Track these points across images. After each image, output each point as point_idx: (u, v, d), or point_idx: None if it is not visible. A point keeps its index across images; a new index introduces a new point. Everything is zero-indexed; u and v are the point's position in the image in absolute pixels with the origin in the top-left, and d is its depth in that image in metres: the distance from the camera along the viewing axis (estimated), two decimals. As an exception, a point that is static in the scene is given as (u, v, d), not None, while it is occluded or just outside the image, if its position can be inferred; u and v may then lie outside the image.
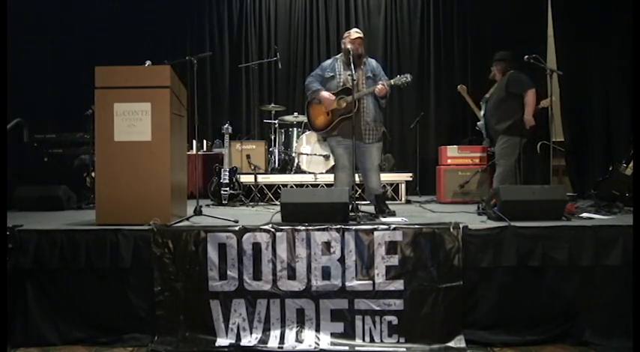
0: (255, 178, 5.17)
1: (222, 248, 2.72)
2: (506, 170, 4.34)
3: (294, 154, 5.60)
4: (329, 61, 3.92)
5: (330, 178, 4.92)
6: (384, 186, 4.84)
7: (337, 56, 3.89)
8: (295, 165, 5.55)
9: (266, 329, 2.70)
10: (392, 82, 3.63)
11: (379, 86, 3.59)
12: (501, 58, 4.57)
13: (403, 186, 5.35)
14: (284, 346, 2.65)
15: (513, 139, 4.35)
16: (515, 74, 4.43)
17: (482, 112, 4.75)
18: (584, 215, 3.33)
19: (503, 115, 4.40)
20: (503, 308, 2.72)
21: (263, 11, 6.73)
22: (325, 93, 3.69)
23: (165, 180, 2.92)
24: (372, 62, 3.84)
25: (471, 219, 3.18)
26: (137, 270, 2.74)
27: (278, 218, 3.03)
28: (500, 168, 4.39)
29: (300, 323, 2.71)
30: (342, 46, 3.79)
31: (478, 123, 4.90)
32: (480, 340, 2.67)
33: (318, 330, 2.69)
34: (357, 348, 2.64)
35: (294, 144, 5.68)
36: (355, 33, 3.77)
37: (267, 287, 2.71)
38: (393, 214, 3.57)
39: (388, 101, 3.82)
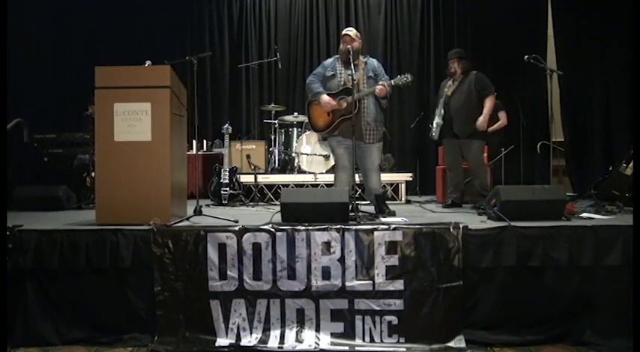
0: (255, 178, 5.17)
1: (222, 248, 2.72)
2: (485, 172, 4.38)
3: (294, 154, 5.60)
4: (330, 60, 3.92)
5: (330, 178, 4.93)
6: (384, 186, 4.84)
7: (338, 56, 3.89)
8: (295, 165, 5.56)
9: (266, 329, 2.69)
10: (392, 82, 3.63)
11: (379, 87, 3.59)
12: (464, 56, 4.40)
13: (403, 186, 5.36)
14: (284, 346, 2.64)
15: (482, 143, 4.38)
16: (481, 75, 4.34)
17: (441, 111, 4.41)
18: (584, 215, 3.32)
19: (473, 116, 4.23)
20: (503, 308, 2.71)
21: (263, 11, 6.74)
22: (325, 98, 3.69)
23: (166, 180, 2.92)
24: (374, 62, 3.84)
25: (471, 219, 3.18)
26: (137, 270, 2.73)
27: (278, 218, 3.03)
28: (481, 174, 4.31)
29: (300, 323, 2.71)
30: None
31: (436, 122, 4.44)
32: (480, 340, 2.67)
33: (318, 330, 2.69)
34: (357, 348, 2.64)
35: (294, 144, 5.68)
36: (344, 31, 3.79)
37: (267, 287, 2.71)
38: (393, 214, 3.57)
39: (388, 101, 3.82)
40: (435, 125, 4.43)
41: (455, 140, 4.38)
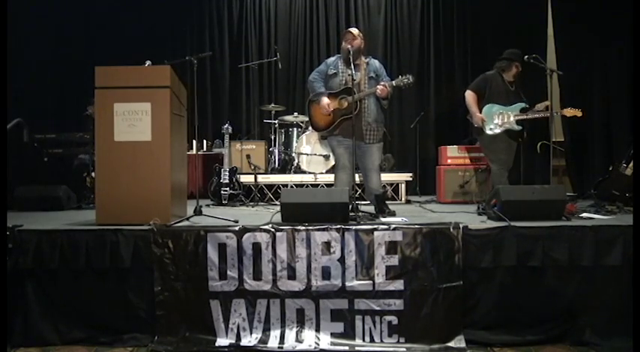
0: (255, 178, 5.17)
1: (222, 248, 2.72)
2: None
3: (294, 154, 5.60)
4: (333, 58, 3.93)
5: (330, 178, 4.92)
6: (384, 186, 4.83)
7: (340, 55, 3.89)
8: (295, 165, 5.56)
9: (266, 329, 2.70)
10: (394, 82, 3.63)
11: (380, 87, 3.59)
12: None
13: (403, 186, 5.36)
14: (284, 346, 2.65)
15: None
16: None
17: (515, 111, 4.32)
18: (584, 215, 3.33)
19: None
20: (503, 308, 2.72)
21: (263, 11, 6.73)
22: (325, 101, 3.69)
23: (166, 180, 2.92)
24: (375, 63, 3.84)
25: (471, 219, 3.18)
26: (137, 270, 2.74)
27: (278, 218, 3.03)
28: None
29: (300, 323, 2.71)
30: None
31: (513, 125, 4.30)
32: (480, 340, 2.67)
33: (318, 330, 2.69)
34: (357, 348, 2.64)
35: (294, 144, 5.68)
36: (347, 30, 3.83)
37: (267, 287, 2.71)
38: (393, 214, 3.57)
39: (389, 101, 3.82)
40: (499, 120, 4.26)
41: (512, 140, 4.36)
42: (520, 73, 4.43)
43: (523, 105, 4.32)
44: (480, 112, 4.37)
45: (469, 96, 4.48)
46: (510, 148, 4.39)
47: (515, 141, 4.41)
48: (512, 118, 4.28)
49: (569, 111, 4.18)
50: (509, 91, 4.37)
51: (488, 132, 4.34)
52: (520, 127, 4.29)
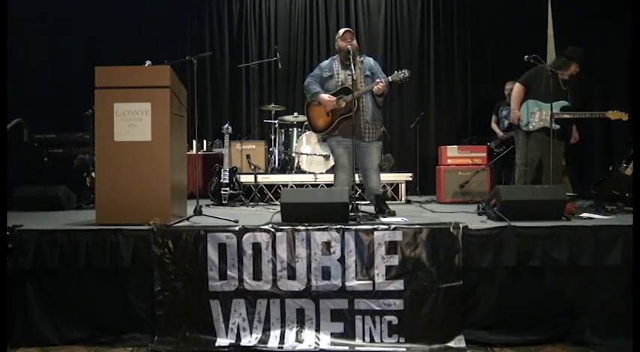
0: (255, 178, 5.18)
1: (222, 248, 2.72)
2: None
3: (294, 154, 5.60)
4: (326, 61, 3.93)
5: (330, 178, 4.92)
6: (384, 186, 4.83)
7: (334, 56, 3.90)
8: (295, 165, 5.56)
9: (266, 329, 2.70)
10: (390, 78, 3.63)
11: (377, 83, 3.59)
12: None
13: (403, 186, 5.36)
14: (284, 346, 2.65)
15: None
16: None
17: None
18: (584, 215, 3.33)
19: None
20: (503, 308, 2.71)
21: (263, 11, 6.73)
22: (325, 96, 3.70)
23: (165, 180, 2.92)
24: (370, 60, 3.85)
25: (471, 219, 3.18)
26: (137, 270, 2.74)
27: (278, 218, 3.03)
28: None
29: (300, 323, 2.71)
30: (336, 48, 3.81)
31: (554, 126, 3.98)
32: (480, 340, 2.67)
33: (318, 330, 2.69)
34: (357, 348, 2.64)
35: (294, 144, 5.68)
36: (342, 29, 3.83)
37: (267, 287, 2.71)
38: (393, 214, 3.57)
39: (388, 100, 3.83)
40: (537, 117, 4.06)
41: (548, 138, 4.03)
42: (578, 73, 4.20)
43: (565, 104, 4.10)
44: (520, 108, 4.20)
45: (518, 88, 4.27)
46: (545, 148, 4.06)
47: (561, 141, 4.18)
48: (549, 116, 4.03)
49: (615, 114, 3.98)
50: (559, 90, 4.10)
51: (523, 128, 4.19)
52: (558, 126, 4.02)
